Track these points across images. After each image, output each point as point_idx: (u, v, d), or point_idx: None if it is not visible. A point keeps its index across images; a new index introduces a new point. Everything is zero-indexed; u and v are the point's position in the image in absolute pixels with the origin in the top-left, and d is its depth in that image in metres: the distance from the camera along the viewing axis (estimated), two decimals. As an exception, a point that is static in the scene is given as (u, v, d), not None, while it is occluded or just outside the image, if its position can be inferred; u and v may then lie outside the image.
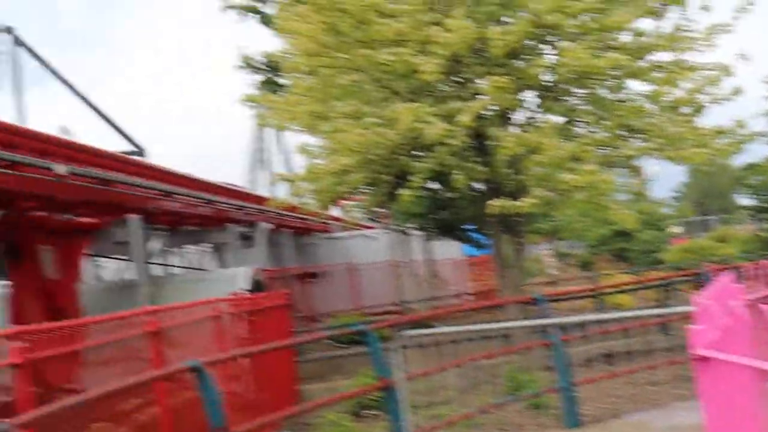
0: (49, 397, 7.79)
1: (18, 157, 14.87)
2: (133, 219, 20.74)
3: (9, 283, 18.44)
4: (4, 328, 8.65)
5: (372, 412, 16.40)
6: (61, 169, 15.66)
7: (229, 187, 31.48)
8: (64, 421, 7.51)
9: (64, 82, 56.88)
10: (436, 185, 26.55)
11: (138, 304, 20.05)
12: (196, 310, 12.65)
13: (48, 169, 15.63)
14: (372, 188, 20.09)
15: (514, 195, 17.83)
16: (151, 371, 9.96)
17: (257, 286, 23.25)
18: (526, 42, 16.31)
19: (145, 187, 21.36)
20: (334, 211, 26.50)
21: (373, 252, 39.46)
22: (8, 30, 60.76)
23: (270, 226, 31.67)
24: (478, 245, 32.54)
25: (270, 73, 25.63)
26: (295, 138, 19.30)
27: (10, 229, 17.96)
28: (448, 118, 15.74)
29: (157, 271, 28.53)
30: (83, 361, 8.62)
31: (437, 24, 15.67)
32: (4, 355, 7.15)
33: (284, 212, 31.47)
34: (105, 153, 20.47)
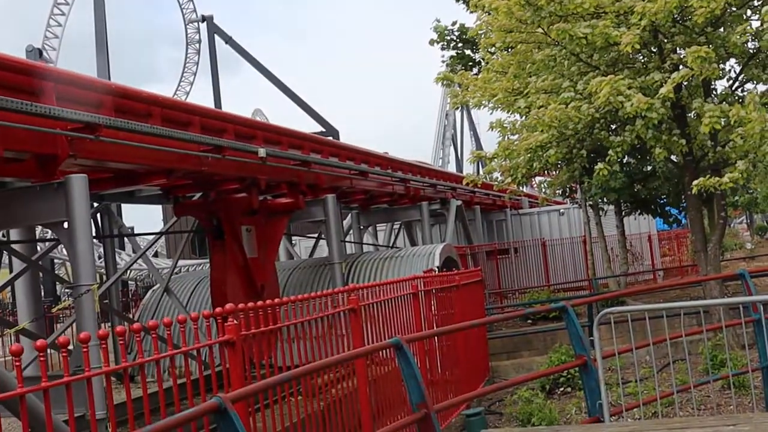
0: (251, 371, 8.18)
1: (224, 141, 15.51)
2: (329, 197, 21.28)
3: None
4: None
5: (564, 389, 16.38)
6: (262, 152, 16.23)
7: (420, 164, 31.77)
8: (264, 396, 7.87)
9: (259, 66, 58.79)
10: (632, 159, 26.10)
11: (334, 281, 20.62)
12: (393, 288, 12.89)
13: (251, 152, 16.23)
14: (567, 164, 19.91)
15: (714, 168, 17.34)
16: (353, 348, 10.28)
17: (449, 263, 23.45)
18: (729, 8, 15.77)
19: (341, 167, 21.87)
20: (525, 187, 26.37)
21: (563, 227, 39.15)
22: (205, 19, 63.28)
23: (459, 202, 31.83)
24: (672, 220, 31.84)
25: (464, 47, 25.63)
26: (485, 115, 19.24)
27: (213, 211, 18.76)
28: (647, 90, 15.43)
29: (350, 249, 29.19)
30: (283, 336, 8.94)
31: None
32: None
33: (474, 188, 31.54)
34: (303, 135, 21.06)
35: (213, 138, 15.30)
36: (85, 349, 5.42)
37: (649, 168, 27.14)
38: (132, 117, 13.22)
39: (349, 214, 30.18)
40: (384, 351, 9.68)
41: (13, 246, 16.28)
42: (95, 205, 19.74)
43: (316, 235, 29.47)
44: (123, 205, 35.46)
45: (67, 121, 11.49)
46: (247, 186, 18.10)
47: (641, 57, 17.54)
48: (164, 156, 14.28)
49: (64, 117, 11.31)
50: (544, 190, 23.41)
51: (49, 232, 20.30)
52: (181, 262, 31.55)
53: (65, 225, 11.59)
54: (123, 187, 16.55)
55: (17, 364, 4.94)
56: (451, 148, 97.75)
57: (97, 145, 12.22)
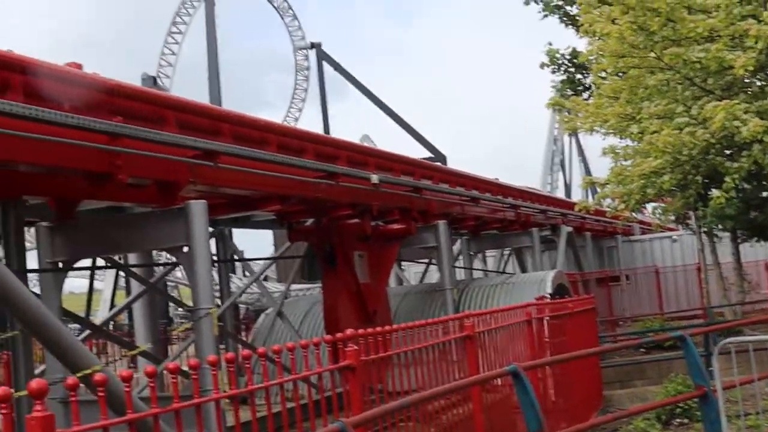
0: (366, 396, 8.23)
1: (338, 168, 15.72)
2: (441, 224, 21.33)
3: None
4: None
5: (681, 420, 16.02)
6: (375, 178, 16.39)
7: (530, 190, 31.64)
8: (382, 420, 7.92)
9: (366, 92, 59.31)
10: (748, 185, 25.48)
11: (445, 307, 20.62)
12: (507, 315, 12.85)
13: (364, 179, 16.40)
14: (681, 190, 19.57)
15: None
16: (464, 375, 10.27)
17: (560, 290, 23.25)
18: None
19: (452, 194, 21.92)
20: (637, 213, 26.00)
21: (676, 254, 38.44)
22: (314, 45, 64.18)
23: (570, 229, 31.57)
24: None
25: (575, 71, 25.46)
26: (594, 140, 19.06)
27: (326, 237, 18.99)
28: (764, 114, 15.10)
29: (459, 274, 29.16)
30: (398, 362, 8.98)
31: (752, 17, 15.07)
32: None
33: (585, 215, 31.25)
34: (415, 161, 21.22)
35: (327, 165, 15.53)
36: (213, 372, 5.55)
37: (766, 194, 26.49)
38: (248, 144, 13.52)
39: (459, 240, 30.18)
40: (501, 378, 9.67)
41: (132, 269, 16.73)
42: (211, 230, 20.16)
43: (426, 261, 29.53)
44: (234, 229, 36.09)
45: (188, 148, 11.80)
46: (360, 212, 18.28)
47: (757, 80, 17.17)
48: (279, 182, 14.53)
49: (185, 144, 11.63)
50: (657, 216, 23.03)
51: (164, 255, 20.84)
52: (292, 287, 31.92)
53: (185, 249, 11.85)
54: (238, 213, 16.89)
55: (152, 385, 5.08)
56: (560, 173, 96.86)
57: (215, 172, 12.51)
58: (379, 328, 8.26)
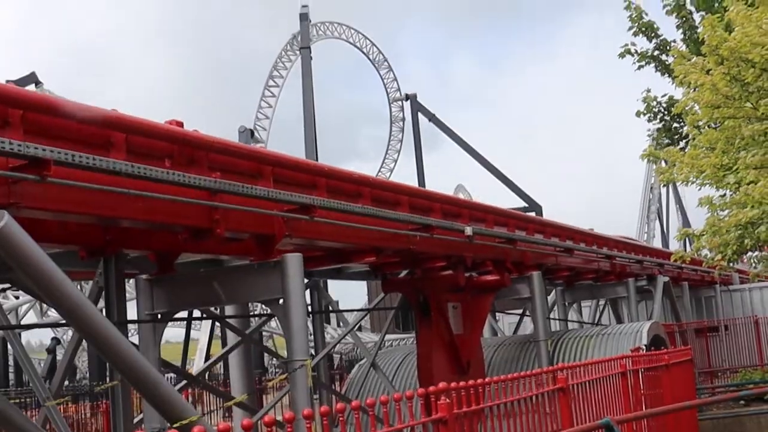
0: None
1: (432, 221, 15.85)
2: (535, 275, 21.26)
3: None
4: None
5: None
6: (469, 230, 16.48)
7: (626, 240, 31.33)
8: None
9: (460, 142, 59.56)
10: None
11: (539, 358, 20.50)
12: (601, 367, 12.76)
13: (458, 231, 16.50)
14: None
15: None
16: (558, 428, 10.24)
17: (656, 341, 22.93)
18: None
19: (546, 245, 21.87)
20: (736, 263, 25.50)
21: (777, 304, 37.61)
22: (409, 97, 64.82)
23: (667, 279, 31.12)
24: None
25: (670, 120, 25.27)
26: (692, 189, 18.82)
27: (420, 288, 19.10)
28: None
29: (554, 325, 28.94)
30: (493, 414, 9.01)
31: None
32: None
33: (682, 264, 30.81)
34: (508, 213, 21.24)
35: (421, 217, 15.67)
36: (308, 425, 5.68)
37: None
38: (343, 197, 13.74)
39: (554, 290, 29.97)
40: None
41: (228, 320, 17.03)
42: (305, 281, 20.43)
43: (520, 311, 29.40)
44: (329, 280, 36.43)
45: (284, 203, 12.06)
46: (454, 263, 18.37)
47: None
48: (375, 235, 14.71)
49: (281, 199, 11.89)
50: (754, 265, 22.60)
51: (259, 306, 21.17)
52: (386, 336, 32.08)
53: (281, 302, 12.07)
54: (333, 265, 17.10)
55: None
56: (656, 222, 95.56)
57: (311, 226, 12.75)
58: (471, 381, 8.31)
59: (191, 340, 49.67)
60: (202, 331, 47.00)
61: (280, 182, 12.40)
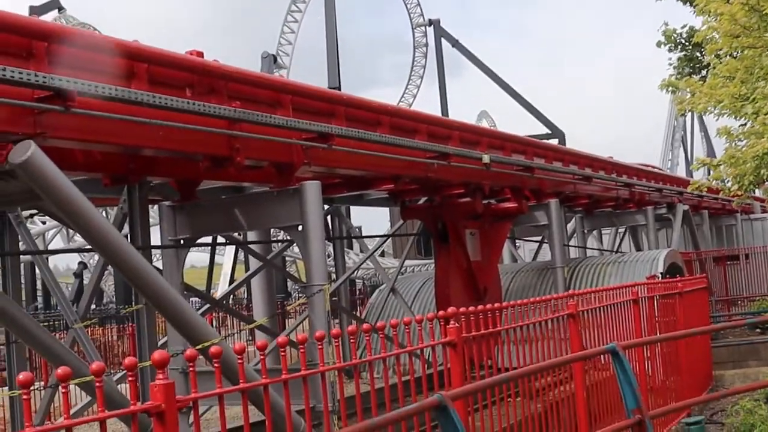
0: (471, 371, 8.59)
1: (449, 148, 16.05)
2: (552, 202, 21.46)
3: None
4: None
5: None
6: (486, 158, 16.66)
7: (645, 168, 31.38)
8: (490, 394, 8.27)
9: (484, 69, 59.36)
10: None
11: (556, 285, 20.79)
12: (614, 294, 13.00)
13: (476, 159, 16.69)
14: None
15: None
16: (570, 352, 10.52)
17: (673, 269, 23.15)
18: None
19: (564, 173, 22.01)
20: (758, 192, 25.51)
21: (798, 233, 37.70)
22: (432, 22, 64.49)
23: (686, 207, 31.22)
24: None
25: (691, 49, 25.16)
26: (716, 120, 18.80)
27: (439, 215, 19.35)
28: None
29: (573, 252, 29.19)
30: (503, 339, 9.29)
31: None
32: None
33: (702, 193, 30.87)
34: (526, 140, 21.40)
35: (439, 145, 15.87)
36: (320, 347, 5.97)
37: None
38: (362, 126, 13.94)
39: (574, 218, 30.16)
40: (604, 356, 9.90)
41: (250, 246, 17.38)
42: (326, 207, 20.74)
43: (539, 238, 29.65)
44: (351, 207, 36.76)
45: (303, 131, 12.29)
46: (472, 191, 18.58)
47: None
48: (392, 163, 14.94)
49: (300, 128, 12.12)
50: (769, 196, 22.70)
51: (281, 232, 21.52)
52: (407, 262, 32.41)
53: (300, 228, 12.37)
54: (352, 192, 17.38)
55: (262, 357, 5.54)
56: (681, 149, 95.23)
57: (329, 154, 12.99)
58: (481, 306, 8.59)
59: (215, 265, 50.34)
60: (226, 256, 47.55)
61: (299, 111, 12.62)
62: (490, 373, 8.89)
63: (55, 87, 8.70)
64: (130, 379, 4.74)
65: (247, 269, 27.41)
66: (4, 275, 14.26)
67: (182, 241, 13.24)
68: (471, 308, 8.37)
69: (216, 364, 5.28)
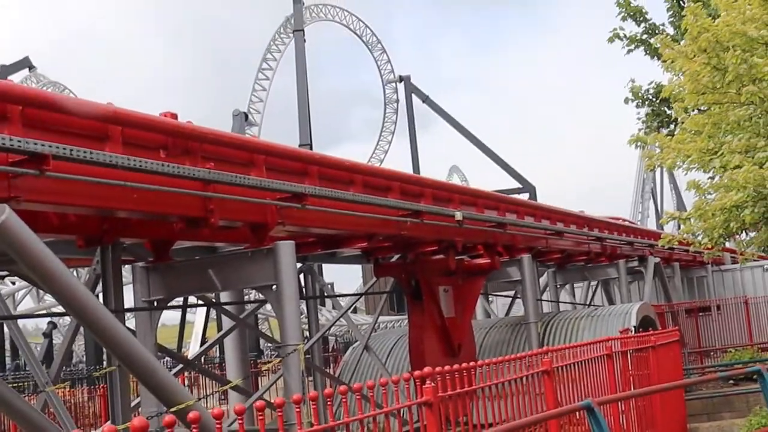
0: (447, 429, 8.59)
1: (422, 206, 16.15)
2: (525, 258, 21.56)
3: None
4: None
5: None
6: (459, 215, 16.77)
7: (617, 222, 31.63)
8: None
9: (455, 124, 59.74)
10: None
11: (530, 340, 20.83)
12: (588, 349, 13.08)
13: (448, 216, 16.79)
14: (765, 223, 19.53)
15: None
16: (545, 409, 10.56)
17: (646, 322, 23.27)
18: None
19: (536, 228, 22.16)
20: (728, 243, 25.78)
21: (768, 284, 37.94)
22: (403, 79, 64.98)
23: (657, 259, 31.47)
24: None
25: (659, 104, 25.55)
26: (685, 174, 19.06)
27: (412, 272, 19.40)
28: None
29: (546, 307, 29.28)
30: (478, 396, 9.31)
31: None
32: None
33: (674, 246, 31.09)
34: (498, 197, 21.54)
35: (412, 203, 15.96)
36: (297, 410, 5.97)
37: None
38: (335, 184, 14.02)
39: (546, 272, 30.30)
40: (579, 412, 9.92)
41: (223, 306, 17.35)
42: (299, 265, 20.74)
43: (512, 293, 29.72)
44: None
45: (277, 191, 12.35)
46: (445, 248, 18.66)
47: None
48: (366, 221, 15.01)
49: (273, 188, 12.19)
50: (744, 248, 22.90)
51: (253, 291, 21.48)
52: (380, 318, 32.39)
53: (274, 288, 12.37)
54: (326, 250, 17.41)
55: (240, 422, 5.52)
56: (651, 202, 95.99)
57: (303, 213, 13.03)
58: (456, 365, 8.62)
59: (187, 323, 49.97)
60: (197, 315, 47.22)
61: (272, 170, 12.67)
62: (466, 429, 8.91)
63: (29, 151, 8.72)
64: None
65: (219, 328, 27.25)
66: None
67: (156, 302, 13.21)
68: (447, 367, 8.40)
69: (195, 430, 5.28)
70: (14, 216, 8.75)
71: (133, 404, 13.58)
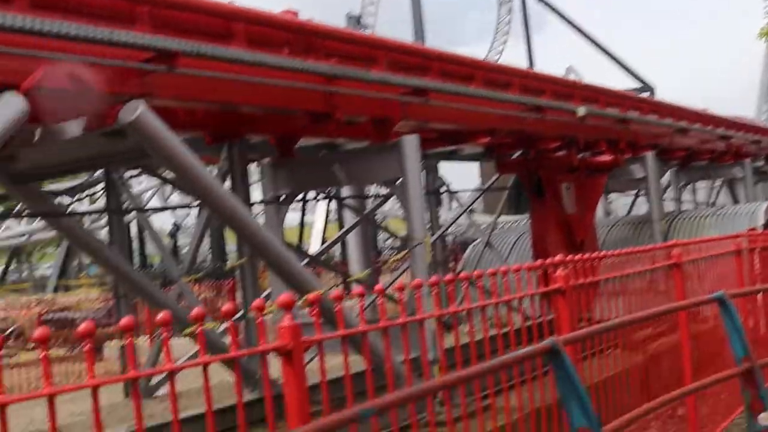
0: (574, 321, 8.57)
1: (543, 102, 15.95)
2: (649, 155, 21.20)
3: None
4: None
5: None
6: (582, 111, 16.52)
7: (742, 121, 30.72)
8: (591, 344, 8.24)
9: (571, 24, 58.44)
10: None
11: (653, 238, 20.60)
12: (717, 245, 12.85)
13: (570, 111, 16.56)
14: None
15: None
16: (673, 302, 10.44)
17: (773, 222, 22.74)
18: None
19: (660, 125, 21.71)
20: None
21: None
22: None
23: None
24: None
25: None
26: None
27: (534, 169, 19.28)
28: None
29: (668, 206, 28.82)
30: (602, 290, 9.23)
31: None
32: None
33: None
34: (621, 93, 21.12)
35: (533, 98, 15.77)
36: (417, 295, 5.99)
37: None
38: (455, 80, 13.93)
39: (668, 171, 29.72)
40: (705, 309, 9.80)
41: (348, 201, 17.56)
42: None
43: (633, 192, 29.31)
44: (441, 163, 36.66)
45: (400, 86, 12.33)
46: (567, 144, 18.46)
47: None
48: (487, 117, 14.94)
49: (396, 83, 12.17)
50: None
51: (373, 188, 21.71)
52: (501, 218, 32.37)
53: (399, 182, 12.46)
54: (448, 146, 17.40)
55: (361, 304, 5.57)
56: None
57: (426, 108, 13.03)
58: (585, 255, 8.57)
59: (305, 225, 50.77)
60: (317, 215, 47.93)
61: (393, 67, 12.65)
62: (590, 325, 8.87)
63: (160, 48, 8.89)
64: (259, 320, 4.84)
65: (340, 227, 27.63)
66: (111, 233, 14.69)
67: (282, 197, 13.47)
68: (578, 256, 8.36)
69: (338, 306, 5.41)
70: (148, 111, 8.97)
71: (263, 295, 13.97)
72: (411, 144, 12.25)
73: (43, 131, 9.79)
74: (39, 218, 38.49)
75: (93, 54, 8.53)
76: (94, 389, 3.73)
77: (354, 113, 12.16)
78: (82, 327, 3.75)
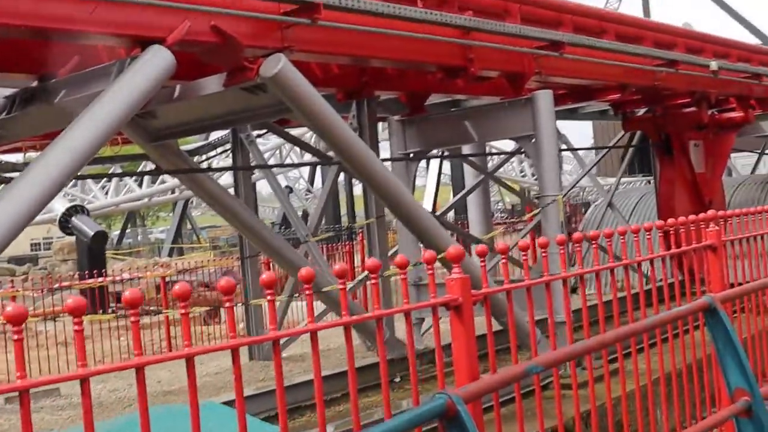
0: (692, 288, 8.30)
1: (677, 55, 15.50)
2: (779, 111, 20.52)
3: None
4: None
5: None
6: (714, 65, 16.03)
7: None
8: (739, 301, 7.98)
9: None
10: None
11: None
12: None
13: (702, 66, 16.08)
14: None
15: None
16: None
17: None
18: None
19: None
20: None
21: None
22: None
23: None
24: None
25: None
26: None
27: (662, 125, 18.83)
28: None
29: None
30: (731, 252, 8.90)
31: None
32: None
33: None
34: (752, 47, 20.47)
35: (667, 52, 15.34)
36: (544, 255, 5.74)
37: None
38: (587, 34, 13.59)
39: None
40: None
41: (471, 159, 17.35)
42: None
43: (758, 151, 28.44)
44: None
45: (535, 39, 12.05)
46: (697, 100, 17.96)
47: None
48: (619, 71, 14.56)
49: (532, 36, 11.90)
50: None
51: (493, 147, 21.41)
52: (613, 180, 31.89)
53: (532, 138, 12.25)
54: (575, 103, 17.11)
55: (482, 265, 5.36)
56: None
57: (559, 62, 12.75)
58: (737, 210, 8.31)
59: (417, 188, 50.70)
60: (428, 177, 47.79)
61: (526, 20, 12.39)
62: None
63: (302, 0, 8.81)
64: (402, 276, 4.69)
65: (455, 192, 27.37)
66: (236, 192, 14.84)
67: (411, 155, 13.39)
68: (731, 211, 8.11)
69: (482, 264, 5.28)
70: (289, 65, 8.93)
71: (390, 253, 13.97)
72: (545, 99, 12.02)
73: (183, 87, 9.87)
74: (158, 181, 39.43)
75: (236, 7, 8.53)
76: (234, 350, 3.63)
77: (489, 67, 11.95)
78: (222, 283, 3.64)
